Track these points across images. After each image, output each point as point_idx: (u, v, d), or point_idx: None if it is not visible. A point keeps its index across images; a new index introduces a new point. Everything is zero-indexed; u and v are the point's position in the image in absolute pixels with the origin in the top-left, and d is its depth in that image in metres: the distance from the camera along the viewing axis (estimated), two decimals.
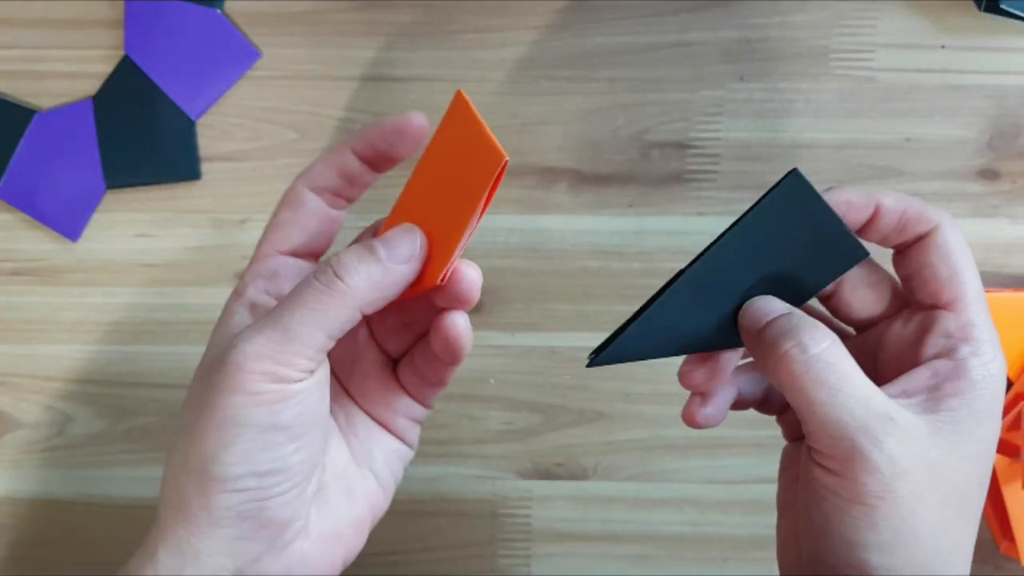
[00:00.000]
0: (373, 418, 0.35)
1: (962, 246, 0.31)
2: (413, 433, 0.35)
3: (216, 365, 0.29)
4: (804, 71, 0.46)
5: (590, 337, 0.48)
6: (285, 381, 0.29)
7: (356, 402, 0.35)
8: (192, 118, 0.46)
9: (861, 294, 0.33)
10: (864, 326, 0.34)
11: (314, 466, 0.31)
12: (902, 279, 0.33)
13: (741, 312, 0.32)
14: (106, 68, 0.46)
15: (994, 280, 0.47)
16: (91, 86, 0.46)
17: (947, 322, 0.31)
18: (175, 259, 0.47)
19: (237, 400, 0.28)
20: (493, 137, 0.28)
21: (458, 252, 0.30)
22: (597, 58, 0.46)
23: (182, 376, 0.48)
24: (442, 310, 0.32)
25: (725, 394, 0.34)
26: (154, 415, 0.48)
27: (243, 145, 0.46)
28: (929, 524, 0.29)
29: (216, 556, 0.29)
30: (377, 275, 0.29)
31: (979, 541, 0.49)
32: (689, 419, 0.33)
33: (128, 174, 0.46)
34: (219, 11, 0.45)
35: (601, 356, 0.31)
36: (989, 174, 0.46)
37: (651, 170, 0.47)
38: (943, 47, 0.46)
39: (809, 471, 0.30)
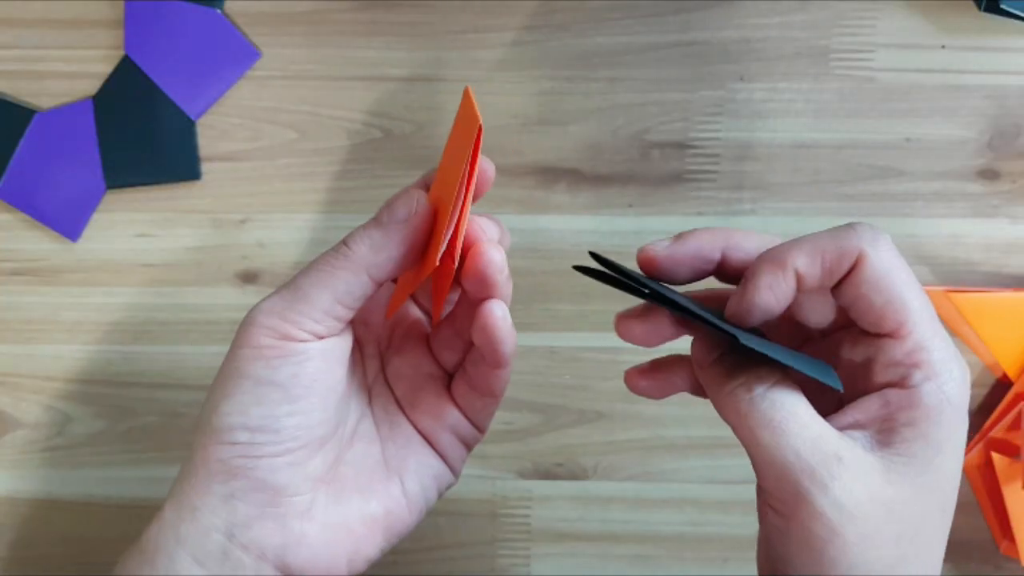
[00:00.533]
0: (419, 430, 0.34)
1: (894, 268, 0.29)
2: (456, 453, 0.35)
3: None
4: (804, 71, 0.46)
5: (590, 337, 0.48)
6: (287, 339, 0.30)
7: (404, 411, 0.35)
8: (192, 118, 0.46)
9: (813, 301, 0.32)
10: (821, 334, 0.33)
11: (314, 439, 0.31)
12: (841, 308, 0.31)
13: (691, 345, 0.30)
14: (106, 68, 0.46)
15: (994, 280, 0.47)
16: (91, 86, 0.46)
17: (893, 351, 0.29)
18: (175, 259, 0.47)
19: (242, 353, 0.30)
20: (476, 108, 0.29)
21: (453, 222, 0.30)
22: (597, 58, 0.46)
23: (182, 376, 0.48)
24: (479, 301, 0.32)
25: (670, 383, 0.33)
26: (154, 415, 0.48)
27: (243, 145, 0.46)
28: (882, 564, 0.28)
29: (209, 514, 0.30)
30: (377, 236, 0.30)
31: (979, 541, 0.49)
32: (626, 379, 0.33)
33: (128, 174, 0.46)
34: (219, 11, 0.45)
35: (598, 265, 0.30)
36: (989, 174, 0.47)
37: (651, 170, 0.47)
38: (943, 47, 0.46)
39: (761, 509, 0.29)
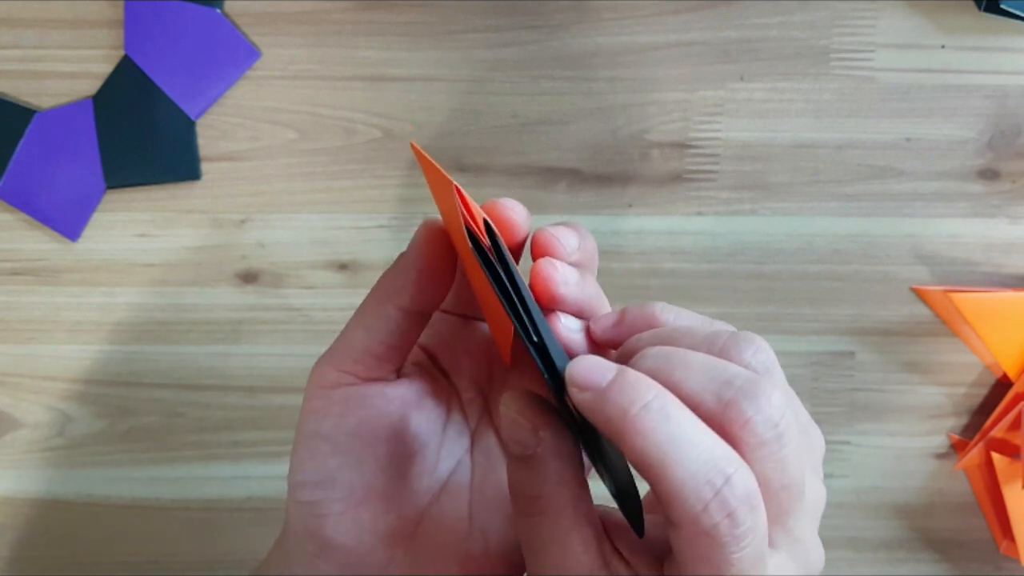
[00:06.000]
0: None
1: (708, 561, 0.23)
2: None
3: None
4: (804, 71, 0.46)
5: None
6: (333, 386, 0.30)
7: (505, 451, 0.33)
8: (192, 118, 0.46)
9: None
10: None
11: (374, 494, 0.30)
12: None
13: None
14: (106, 68, 0.46)
15: (994, 280, 0.47)
16: (91, 86, 0.46)
17: None
18: (175, 259, 0.47)
19: (302, 408, 0.31)
20: (441, 169, 0.28)
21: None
22: (597, 58, 0.46)
23: (182, 376, 0.48)
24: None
25: None
26: (154, 415, 0.48)
27: (243, 145, 0.46)
28: None
29: (298, 566, 0.31)
30: (392, 266, 0.31)
31: (979, 541, 0.49)
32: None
33: (128, 174, 0.46)
34: (219, 11, 0.45)
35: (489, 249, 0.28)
36: (989, 174, 0.47)
37: (651, 170, 0.47)
38: (943, 47, 0.46)
39: None
